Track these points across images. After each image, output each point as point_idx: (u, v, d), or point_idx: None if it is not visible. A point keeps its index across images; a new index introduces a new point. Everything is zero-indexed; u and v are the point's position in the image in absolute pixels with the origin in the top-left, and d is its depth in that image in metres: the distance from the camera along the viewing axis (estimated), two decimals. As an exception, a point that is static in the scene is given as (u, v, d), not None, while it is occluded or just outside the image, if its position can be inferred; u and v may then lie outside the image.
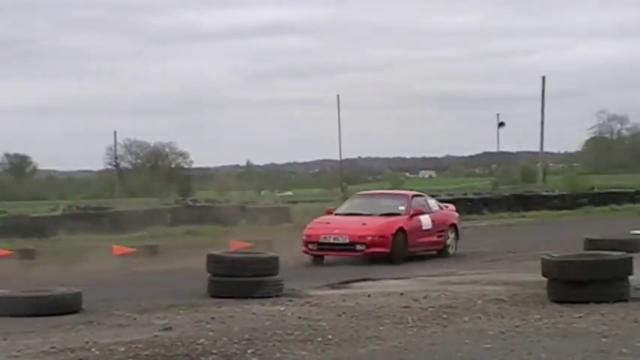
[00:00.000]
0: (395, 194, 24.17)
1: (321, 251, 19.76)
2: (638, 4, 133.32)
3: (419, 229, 20.51)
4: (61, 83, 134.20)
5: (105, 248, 23.13)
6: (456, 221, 21.97)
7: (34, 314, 11.26)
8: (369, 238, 19.18)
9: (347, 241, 19.31)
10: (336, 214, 21.18)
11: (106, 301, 12.57)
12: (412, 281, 14.72)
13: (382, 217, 20.16)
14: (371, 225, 19.62)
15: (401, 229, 19.72)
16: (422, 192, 24.52)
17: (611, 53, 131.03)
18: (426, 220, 20.80)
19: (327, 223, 20.33)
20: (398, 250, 19.31)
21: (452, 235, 21.43)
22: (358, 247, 19.24)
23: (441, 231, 21.16)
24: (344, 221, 20.19)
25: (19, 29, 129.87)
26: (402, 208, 20.70)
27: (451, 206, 23.49)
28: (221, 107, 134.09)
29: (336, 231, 19.52)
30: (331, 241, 19.47)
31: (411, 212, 20.52)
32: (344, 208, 21.79)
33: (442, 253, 20.84)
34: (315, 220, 21.01)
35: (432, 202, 22.27)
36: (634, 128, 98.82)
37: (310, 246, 19.80)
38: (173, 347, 9.06)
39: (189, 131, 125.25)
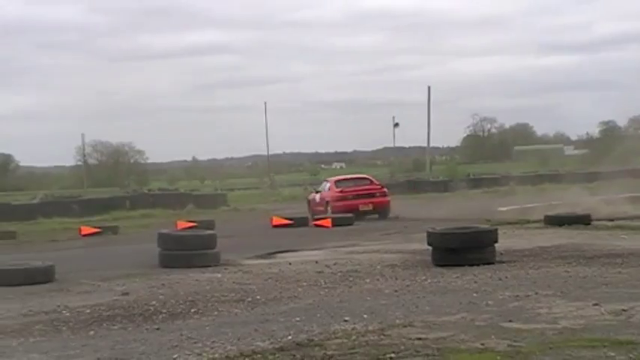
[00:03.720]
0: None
1: None
2: (502, 29, 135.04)
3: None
4: (38, 94, 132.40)
5: (74, 229, 22.80)
6: None
7: (15, 284, 11.04)
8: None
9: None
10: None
11: (74, 272, 12.40)
12: (325, 251, 14.72)
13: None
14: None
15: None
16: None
17: (481, 68, 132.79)
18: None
19: None
20: None
21: None
22: None
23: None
24: None
25: (4, 50, 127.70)
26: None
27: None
28: (171, 113, 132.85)
29: None
30: None
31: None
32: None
33: None
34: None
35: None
36: (501, 127, 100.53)
37: None
38: (130, 308, 8.98)
39: (145, 133, 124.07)
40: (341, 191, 25.12)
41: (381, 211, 24.67)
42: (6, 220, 26.90)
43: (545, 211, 19.61)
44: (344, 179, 27.61)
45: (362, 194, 25.10)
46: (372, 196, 25.21)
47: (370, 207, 24.68)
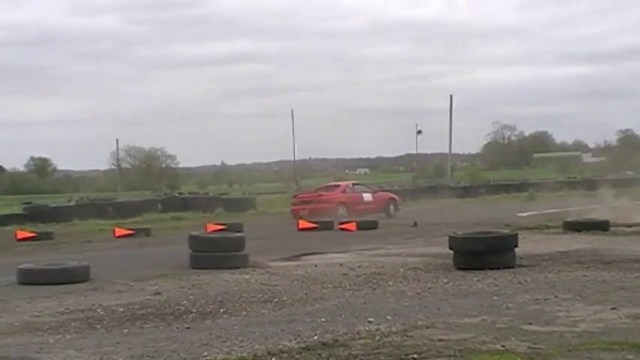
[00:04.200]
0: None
1: None
2: (523, 39, 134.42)
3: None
4: (75, 101, 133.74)
5: (109, 231, 22.94)
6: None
7: (52, 283, 11.13)
8: None
9: None
10: None
11: (109, 272, 12.45)
12: (350, 254, 14.69)
13: None
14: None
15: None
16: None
17: (502, 77, 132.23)
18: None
19: None
20: None
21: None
22: None
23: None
24: None
25: (45, 59, 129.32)
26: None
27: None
28: (201, 119, 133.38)
29: None
30: None
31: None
32: None
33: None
34: None
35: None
36: (520, 135, 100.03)
37: None
38: (162, 307, 9.01)
39: (176, 138, 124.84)
40: (294, 197, 30.20)
41: (317, 214, 25.48)
42: (44, 222, 27.15)
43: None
44: (323, 186, 31.60)
45: (304, 201, 28.61)
46: (309, 202, 28.10)
47: (306, 212, 26.65)
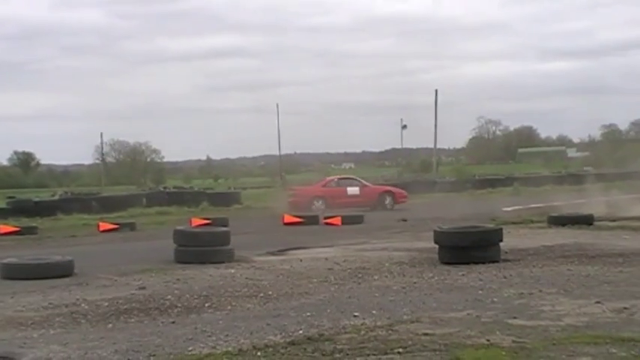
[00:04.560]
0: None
1: None
2: (508, 35, 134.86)
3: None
4: (59, 95, 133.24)
5: (93, 225, 22.84)
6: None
7: (36, 278, 11.07)
8: None
9: None
10: None
11: (93, 266, 12.41)
12: (335, 249, 14.70)
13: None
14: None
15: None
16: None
17: (488, 72, 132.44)
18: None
19: None
20: None
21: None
22: None
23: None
24: None
25: (30, 54, 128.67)
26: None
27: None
28: (186, 114, 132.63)
29: None
30: None
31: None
32: None
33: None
34: None
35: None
36: (505, 130, 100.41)
37: None
38: (146, 302, 8.99)
39: (162, 133, 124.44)
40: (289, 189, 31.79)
41: (296, 208, 27.06)
42: (27, 216, 26.97)
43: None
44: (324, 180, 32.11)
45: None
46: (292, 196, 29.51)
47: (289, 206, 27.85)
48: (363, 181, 31.61)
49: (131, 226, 22.29)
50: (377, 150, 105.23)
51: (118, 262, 13.04)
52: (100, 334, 7.22)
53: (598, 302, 7.84)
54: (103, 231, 21.44)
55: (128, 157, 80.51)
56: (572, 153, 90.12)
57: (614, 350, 5.82)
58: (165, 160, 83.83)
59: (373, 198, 29.58)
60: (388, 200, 29.79)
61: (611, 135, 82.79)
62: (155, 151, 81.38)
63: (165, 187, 42.80)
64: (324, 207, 27.60)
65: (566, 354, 5.75)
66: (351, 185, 30.35)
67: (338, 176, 33.75)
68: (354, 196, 29.51)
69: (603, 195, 26.41)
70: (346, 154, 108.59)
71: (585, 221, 17.28)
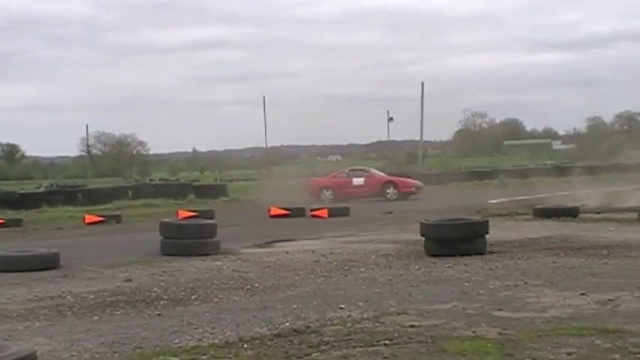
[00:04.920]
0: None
1: None
2: (495, 27, 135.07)
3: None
4: (45, 86, 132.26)
5: (79, 218, 22.77)
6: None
7: (21, 270, 11.03)
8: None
9: None
10: None
11: (79, 259, 12.38)
12: (322, 241, 14.70)
13: None
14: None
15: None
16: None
17: (474, 64, 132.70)
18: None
19: None
20: None
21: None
22: None
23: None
24: None
25: (14, 45, 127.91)
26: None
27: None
28: (172, 106, 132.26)
29: None
30: None
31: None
32: None
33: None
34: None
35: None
36: (491, 122, 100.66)
37: None
38: (132, 294, 8.98)
39: (148, 125, 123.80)
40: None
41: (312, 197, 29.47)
42: (12, 208, 26.85)
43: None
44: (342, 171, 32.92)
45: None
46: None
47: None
48: (377, 172, 32.74)
49: (117, 219, 22.24)
50: (363, 142, 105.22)
51: (104, 255, 13.01)
52: (86, 326, 7.20)
53: (583, 294, 7.88)
54: (89, 223, 21.37)
55: (114, 150, 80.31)
56: (557, 145, 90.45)
57: (598, 342, 5.85)
58: (151, 152, 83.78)
59: (376, 188, 30.36)
60: (390, 190, 30.24)
61: (596, 127, 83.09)
62: (141, 144, 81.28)
63: (151, 180, 42.73)
64: (332, 197, 29.68)
65: (552, 345, 5.78)
66: (358, 176, 31.35)
67: (351, 167, 34.64)
68: (358, 186, 30.65)
69: (589, 187, 26.52)
70: (333, 146, 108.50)
71: (570, 213, 17.36)
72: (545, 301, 7.66)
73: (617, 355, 5.48)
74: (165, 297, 8.74)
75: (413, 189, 30.75)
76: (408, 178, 32.89)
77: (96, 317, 7.70)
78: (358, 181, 30.96)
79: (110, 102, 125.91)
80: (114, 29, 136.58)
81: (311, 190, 30.72)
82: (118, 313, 7.92)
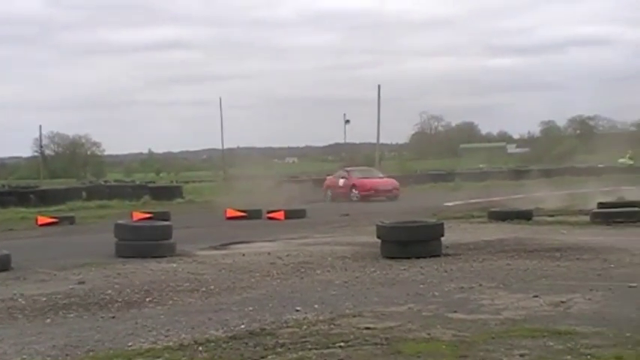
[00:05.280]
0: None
1: None
2: (451, 31, 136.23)
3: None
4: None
5: (31, 219, 22.45)
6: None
7: (-29, 273, 10.84)
8: None
9: None
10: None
11: (31, 261, 12.21)
12: (278, 243, 14.70)
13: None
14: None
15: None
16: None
17: (431, 68, 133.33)
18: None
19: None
20: None
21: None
22: None
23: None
24: None
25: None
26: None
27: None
28: (128, 106, 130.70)
29: None
30: None
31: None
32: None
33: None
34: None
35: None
36: (447, 125, 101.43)
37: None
38: (86, 297, 8.88)
39: (103, 125, 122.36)
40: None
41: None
42: (-38, 210, 26.36)
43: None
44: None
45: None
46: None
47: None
48: (378, 173, 34.50)
49: (70, 220, 21.96)
50: (320, 144, 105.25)
51: (57, 257, 12.84)
52: (38, 329, 7.10)
53: (536, 296, 7.99)
54: (42, 225, 21.08)
55: (68, 150, 79.26)
56: (512, 149, 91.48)
57: (551, 343, 5.93)
58: (106, 153, 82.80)
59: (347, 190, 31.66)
60: (352, 192, 31.32)
61: (550, 131, 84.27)
62: (95, 144, 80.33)
63: (105, 181, 42.31)
64: (330, 196, 32.02)
65: (505, 347, 5.85)
66: (342, 177, 32.94)
67: (353, 167, 36.12)
68: (342, 187, 32.12)
69: (543, 191, 26.87)
70: (290, 148, 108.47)
71: (524, 216, 17.58)
72: (499, 303, 7.74)
73: (569, 357, 5.56)
74: (120, 299, 8.65)
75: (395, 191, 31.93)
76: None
77: (48, 320, 7.60)
78: (342, 182, 32.41)
79: (65, 102, 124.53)
80: (69, 29, 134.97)
81: (323, 190, 32.87)
82: (71, 315, 7.82)
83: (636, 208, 16.69)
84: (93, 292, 9.20)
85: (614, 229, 15.04)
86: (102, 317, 7.66)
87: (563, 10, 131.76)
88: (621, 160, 45.15)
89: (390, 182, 32.68)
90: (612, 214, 16.22)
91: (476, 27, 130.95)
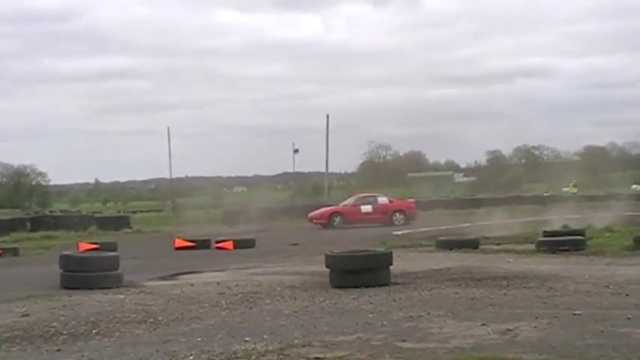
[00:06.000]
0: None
1: None
2: (397, 61, 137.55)
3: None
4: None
5: (-26, 250, 21.95)
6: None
7: None
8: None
9: None
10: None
11: (-27, 293, 11.92)
12: (227, 273, 14.60)
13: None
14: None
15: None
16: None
17: (378, 97, 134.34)
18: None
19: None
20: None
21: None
22: None
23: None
24: None
25: None
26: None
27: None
28: (74, 136, 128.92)
29: None
30: None
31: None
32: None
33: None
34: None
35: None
36: (395, 154, 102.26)
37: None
38: (30, 330, 8.71)
39: (48, 155, 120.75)
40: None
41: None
42: None
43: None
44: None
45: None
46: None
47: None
48: (385, 198, 33.64)
49: (14, 251, 21.55)
50: (269, 174, 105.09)
51: (0, 289, 12.57)
52: (-20, 363, 6.94)
53: (483, 324, 8.06)
54: (-16, 256, 20.62)
55: (12, 180, 77.96)
56: (459, 178, 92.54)
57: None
58: (51, 183, 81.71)
59: (386, 215, 31.76)
60: (397, 217, 31.78)
61: (496, 160, 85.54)
62: (41, 174, 79.22)
63: (51, 211, 41.66)
64: (342, 223, 31.64)
65: (453, 375, 5.89)
66: (365, 203, 32.80)
67: (363, 194, 36.22)
68: (367, 213, 32.16)
69: (489, 219, 27.22)
70: (238, 177, 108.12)
71: (472, 245, 17.77)
72: (447, 331, 7.80)
73: (516, 384, 5.62)
74: (65, 332, 8.51)
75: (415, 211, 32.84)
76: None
77: (-9, 354, 7.43)
78: (367, 208, 32.41)
79: (9, 131, 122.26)
80: (14, 57, 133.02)
81: (320, 218, 32.19)
82: (14, 349, 7.66)
83: (580, 237, 17.02)
84: (37, 324, 9.03)
85: (560, 257, 15.27)
86: (47, 350, 7.52)
87: (506, 41, 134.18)
88: (566, 189, 45.98)
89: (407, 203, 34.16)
90: (557, 243, 16.49)
91: (421, 57, 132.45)
